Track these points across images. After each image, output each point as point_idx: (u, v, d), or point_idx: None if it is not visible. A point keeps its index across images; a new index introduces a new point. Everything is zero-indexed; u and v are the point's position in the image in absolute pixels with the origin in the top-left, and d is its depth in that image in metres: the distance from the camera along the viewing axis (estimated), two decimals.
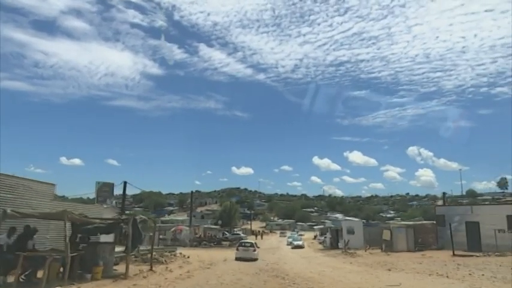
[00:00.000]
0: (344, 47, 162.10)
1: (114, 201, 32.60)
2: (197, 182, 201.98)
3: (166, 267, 16.94)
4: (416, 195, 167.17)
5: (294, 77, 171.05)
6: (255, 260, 26.58)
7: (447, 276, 15.01)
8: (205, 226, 59.56)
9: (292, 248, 42.26)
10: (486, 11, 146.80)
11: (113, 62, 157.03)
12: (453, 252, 23.70)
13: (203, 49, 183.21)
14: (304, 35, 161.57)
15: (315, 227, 76.11)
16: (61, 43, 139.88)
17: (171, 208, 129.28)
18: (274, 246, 48.11)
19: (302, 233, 74.32)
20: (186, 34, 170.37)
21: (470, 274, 15.50)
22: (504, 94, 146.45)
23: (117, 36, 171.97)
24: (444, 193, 57.02)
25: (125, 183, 43.32)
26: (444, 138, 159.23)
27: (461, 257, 22.76)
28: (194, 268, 18.81)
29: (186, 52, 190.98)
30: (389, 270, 18.58)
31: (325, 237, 49.70)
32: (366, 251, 33.55)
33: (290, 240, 51.08)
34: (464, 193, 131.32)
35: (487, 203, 61.34)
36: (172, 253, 27.81)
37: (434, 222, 30.72)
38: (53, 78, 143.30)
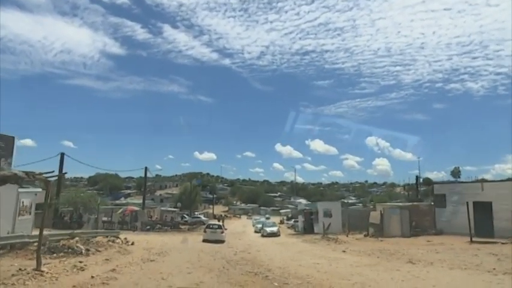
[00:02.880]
0: (310, 37, 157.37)
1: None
2: (158, 166, 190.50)
3: (79, 263, 10.07)
4: (375, 183, 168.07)
5: (260, 63, 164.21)
6: (222, 242, 24.60)
7: None
8: (163, 209, 52.34)
9: (262, 236, 32.42)
10: (445, 9, 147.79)
11: (70, 39, 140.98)
12: (471, 238, 18.58)
13: (167, 30, 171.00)
14: (271, 22, 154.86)
15: (281, 211, 70.96)
16: (11, 14, 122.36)
17: (128, 191, 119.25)
18: (239, 231, 41.95)
19: (267, 217, 67.79)
20: (149, 14, 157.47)
21: None
22: (457, 90, 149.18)
23: (75, 11, 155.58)
24: (417, 177, 53.59)
25: (62, 155, 35.28)
26: (400, 129, 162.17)
27: (481, 244, 17.66)
28: (129, 262, 12.06)
29: (149, 32, 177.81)
30: (412, 263, 12.85)
31: (294, 221, 44.33)
32: (347, 236, 28.20)
33: (259, 226, 38.09)
34: (421, 181, 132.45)
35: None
36: (111, 239, 20.83)
37: (432, 203, 25.82)
38: (2, 52, 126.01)
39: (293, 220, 46.98)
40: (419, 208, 25.36)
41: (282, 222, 56.40)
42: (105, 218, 34.26)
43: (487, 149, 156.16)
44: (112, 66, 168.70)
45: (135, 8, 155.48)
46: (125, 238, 24.12)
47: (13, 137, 14.64)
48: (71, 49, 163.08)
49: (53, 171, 9.01)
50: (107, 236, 22.48)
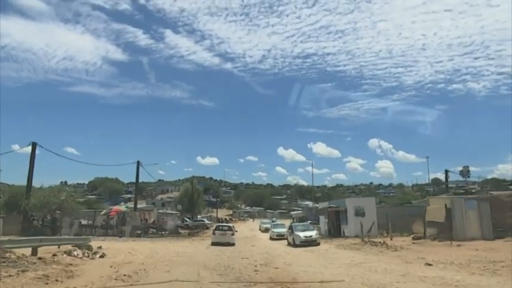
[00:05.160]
0: (311, 40, 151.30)
1: None
2: (161, 172, 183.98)
3: None
4: (380, 184, 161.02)
5: (262, 67, 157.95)
6: (233, 244, 21.59)
7: None
8: (160, 211, 45.24)
9: (291, 245, 21.57)
10: (446, 10, 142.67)
11: (72, 46, 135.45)
12: None
13: (169, 36, 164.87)
14: (272, 25, 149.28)
15: (291, 212, 63.68)
16: (14, 22, 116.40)
17: (129, 195, 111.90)
18: (248, 236, 34.79)
19: (273, 220, 59.07)
20: (151, 19, 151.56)
21: None
22: (459, 91, 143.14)
23: (77, 18, 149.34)
24: (447, 170, 46.27)
25: (34, 144, 28.33)
26: (403, 131, 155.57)
27: None
28: None
29: (151, 38, 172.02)
30: None
31: (311, 223, 37.10)
32: (391, 239, 21.11)
33: (279, 231, 27.90)
34: (430, 181, 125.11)
35: None
36: (68, 249, 13.81)
37: None
38: (5, 60, 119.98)
39: (309, 222, 39.70)
40: (500, 199, 18.13)
41: None
42: (84, 222, 27.24)
43: (490, 149, 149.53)
44: (114, 73, 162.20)
45: (137, 14, 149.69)
46: (99, 247, 17.26)
47: None
48: (74, 56, 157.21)
49: None
50: (75, 245, 15.60)
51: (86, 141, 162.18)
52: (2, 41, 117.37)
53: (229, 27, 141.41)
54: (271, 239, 27.68)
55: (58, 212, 27.59)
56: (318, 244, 20.53)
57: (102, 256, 13.75)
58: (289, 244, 22.32)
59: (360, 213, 25.80)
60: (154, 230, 29.54)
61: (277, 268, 11.91)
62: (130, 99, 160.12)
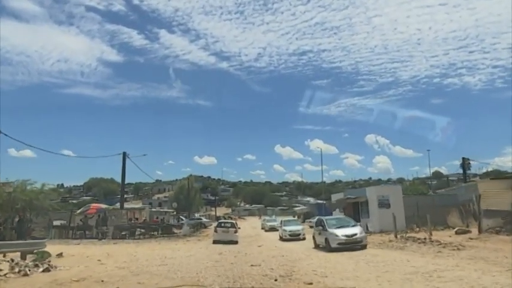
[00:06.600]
0: (307, 37, 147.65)
1: None
2: (158, 172, 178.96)
3: None
4: (379, 179, 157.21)
5: (257, 65, 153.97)
6: (236, 242, 19.73)
7: None
8: (154, 210, 40.65)
9: (319, 248, 15.54)
10: (440, 4, 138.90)
11: (67, 48, 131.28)
12: None
13: (164, 35, 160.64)
14: (267, 23, 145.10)
15: (295, 208, 59.29)
16: (8, 25, 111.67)
17: (125, 196, 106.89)
18: (251, 234, 30.32)
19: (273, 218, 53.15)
20: (146, 19, 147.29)
21: None
22: (454, 85, 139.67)
23: (71, 20, 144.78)
24: (464, 158, 42.16)
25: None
26: (400, 126, 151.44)
27: None
28: None
29: (146, 38, 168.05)
30: None
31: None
32: (431, 234, 16.69)
33: (291, 228, 22.69)
34: (431, 175, 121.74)
35: None
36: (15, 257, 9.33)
37: None
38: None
39: (317, 217, 35.22)
40: None
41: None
42: (57, 222, 22.62)
43: (486, 143, 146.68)
44: (110, 74, 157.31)
45: (132, 14, 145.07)
46: (59, 254, 12.91)
47: None
48: (68, 58, 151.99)
49: None
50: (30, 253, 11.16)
51: (82, 143, 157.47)
52: None
53: (224, 25, 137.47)
54: (282, 239, 22.17)
55: (47, 212, 22.96)
56: (365, 247, 13.84)
57: (47, 269, 9.21)
58: (317, 247, 15.91)
59: (384, 204, 21.49)
60: (143, 230, 24.92)
61: (310, 284, 7.48)
62: (126, 100, 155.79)
